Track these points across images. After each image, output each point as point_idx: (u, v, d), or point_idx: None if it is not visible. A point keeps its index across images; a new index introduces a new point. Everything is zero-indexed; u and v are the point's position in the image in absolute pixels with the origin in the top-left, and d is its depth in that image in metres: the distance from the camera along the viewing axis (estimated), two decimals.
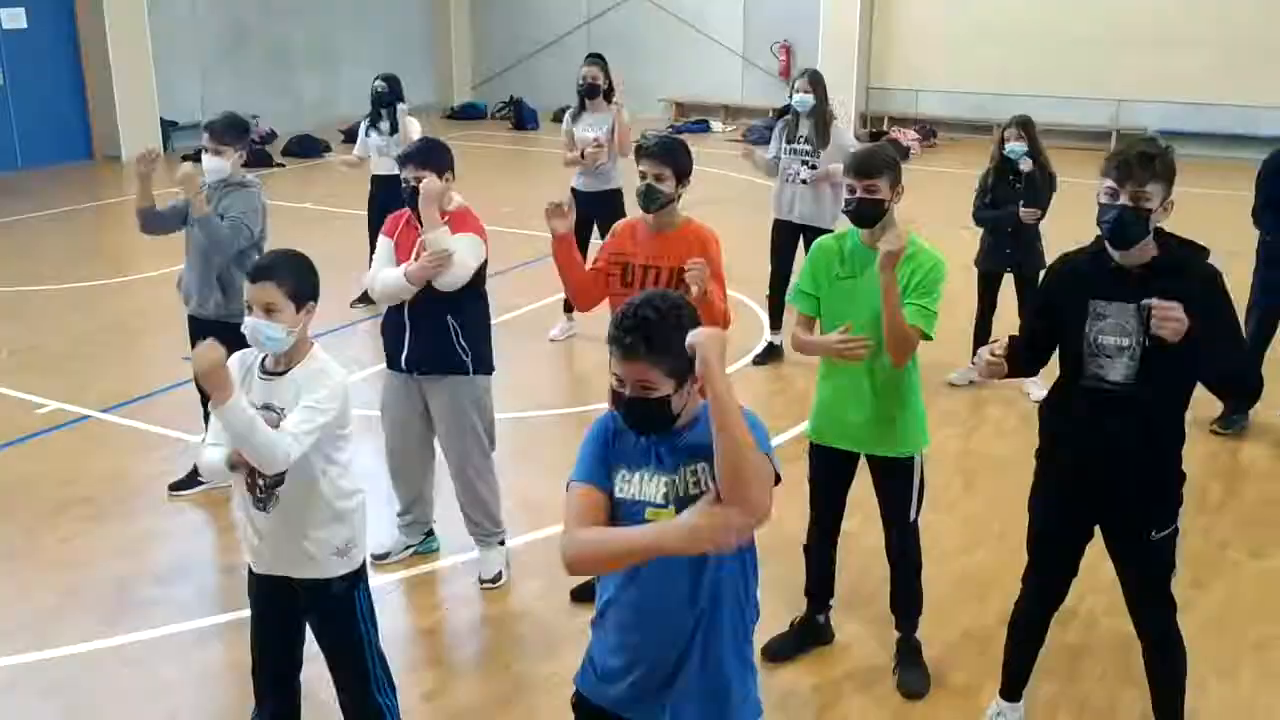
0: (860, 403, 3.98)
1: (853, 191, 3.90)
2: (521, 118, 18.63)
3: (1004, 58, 16.05)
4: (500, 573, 4.93)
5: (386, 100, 8.43)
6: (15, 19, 14.41)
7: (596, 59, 7.91)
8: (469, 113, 19.65)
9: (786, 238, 7.48)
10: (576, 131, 7.87)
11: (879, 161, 3.93)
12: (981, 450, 6.32)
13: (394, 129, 8.36)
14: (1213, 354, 3.21)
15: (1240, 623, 4.63)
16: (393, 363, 4.76)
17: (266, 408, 3.20)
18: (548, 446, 6.34)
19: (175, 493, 5.75)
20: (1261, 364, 6.39)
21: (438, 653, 4.53)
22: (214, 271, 5.38)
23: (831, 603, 4.45)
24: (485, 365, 4.77)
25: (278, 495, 3.26)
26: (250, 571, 3.44)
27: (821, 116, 7.26)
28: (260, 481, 3.26)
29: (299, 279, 3.24)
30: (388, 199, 7.87)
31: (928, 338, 3.86)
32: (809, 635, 4.41)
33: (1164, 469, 3.45)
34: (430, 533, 5.19)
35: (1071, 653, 4.36)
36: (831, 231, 6.95)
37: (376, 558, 4.98)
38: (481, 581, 4.91)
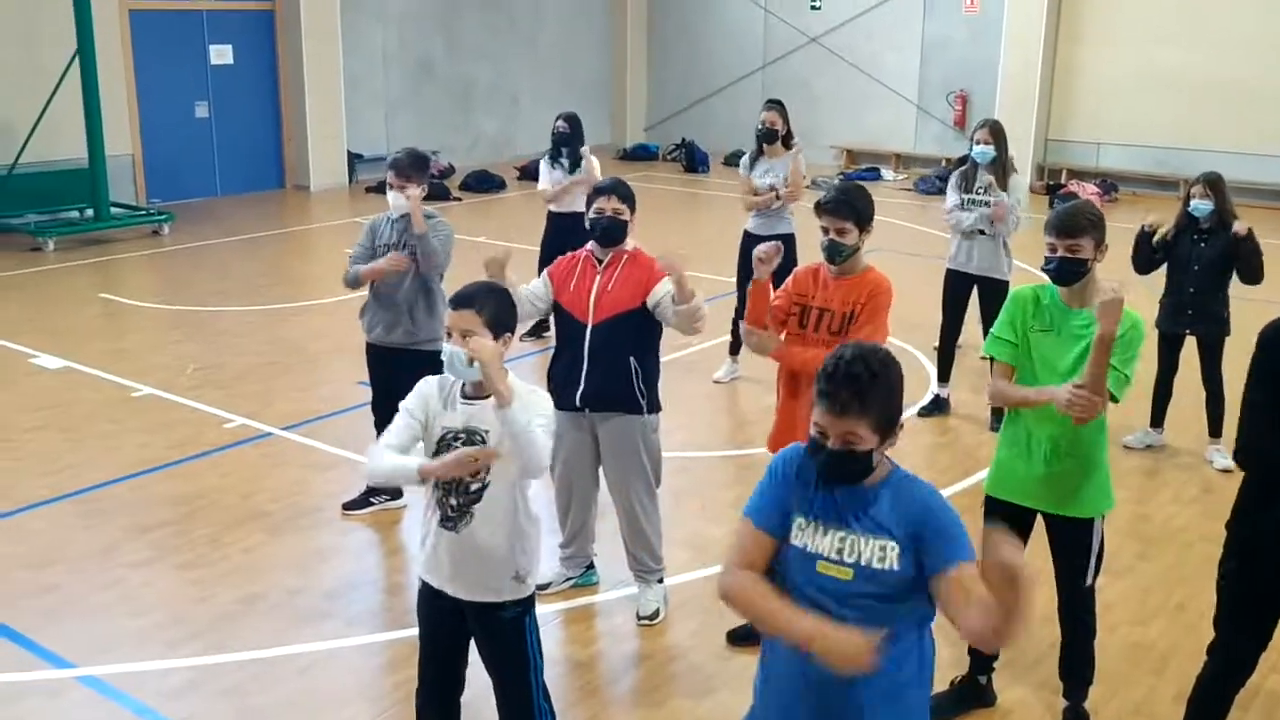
0: (1041, 459, 3.89)
1: (1054, 250, 3.83)
2: (693, 160, 18.81)
3: (1189, 110, 15.48)
4: (658, 610, 4.95)
5: (567, 139, 8.62)
6: (223, 55, 15.29)
7: (775, 104, 7.92)
8: (641, 154, 19.95)
9: (960, 289, 7.36)
10: (754, 176, 7.91)
11: (1083, 221, 3.85)
12: (1158, 517, 6.07)
13: (574, 167, 8.53)
14: None
15: None
16: (566, 400, 4.73)
17: (470, 431, 3.30)
18: (708, 488, 6.36)
19: (348, 511, 5.96)
20: None
21: (594, 685, 4.56)
22: (402, 301, 5.59)
23: (995, 664, 4.34)
24: (656, 404, 4.83)
25: (471, 514, 3.35)
26: (423, 588, 3.53)
27: (1002, 167, 7.15)
28: (454, 501, 3.35)
29: (499, 308, 3.35)
30: (563, 237, 8.15)
31: (1115, 400, 3.75)
32: (970, 696, 4.29)
33: None
34: (590, 566, 5.25)
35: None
36: (1007, 284, 6.93)
37: (537, 587, 5.05)
38: (639, 618, 4.94)
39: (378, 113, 17.16)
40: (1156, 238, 6.60)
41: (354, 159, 16.51)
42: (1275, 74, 14.84)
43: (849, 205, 4.31)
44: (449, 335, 3.30)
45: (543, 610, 4.94)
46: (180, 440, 6.92)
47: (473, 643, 3.54)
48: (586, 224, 4.75)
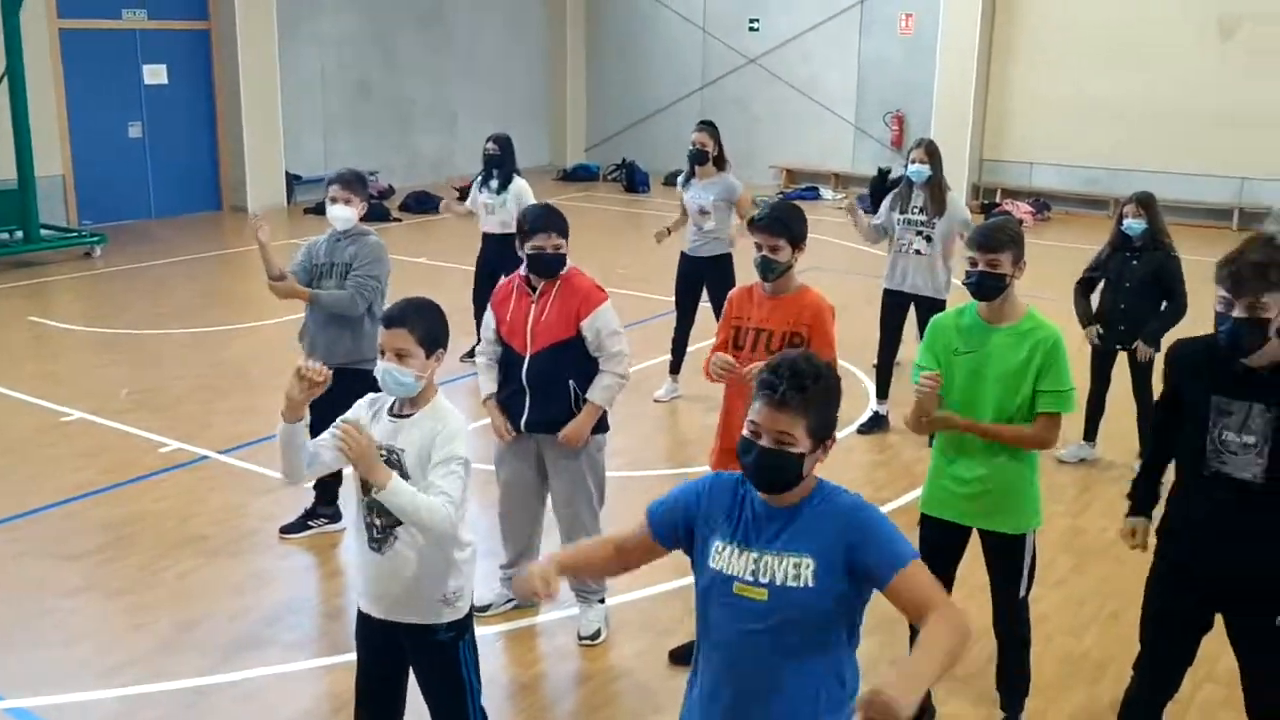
0: (974, 477, 3.95)
1: (974, 265, 3.89)
2: (633, 180, 18.87)
3: (1121, 132, 15.81)
4: (599, 630, 4.95)
5: (497, 161, 8.57)
6: (157, 75, 15.12)
7: (707, 125, 7.97)
8: (581, 174, 19.98)
9: (896, 308, 7.45)
10: (685, 197, 7.97)
11: (1004, 236, 3.92)
12: (1091, 529, 6.17)
13: (503, 188, 8.50)
14: None
15: None
16: (513, 423, 4.79)
17: (389, 450, 3.29)
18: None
19: (286, 535, 5.89)
20: None
21: (536, 707, 4.55)
22: (343, 321, 5.53)
23: None
24: (602, 425, 4.83)
25: (395, 536, 3.33)
26: (359, 614, 3.51)
27: (936, 186, 7.24)
28: (378, 521, 3.33)
29: (431, 326, 3.35)
30: (496, 258, 8.19)
31: (1068, 410, 3.87)
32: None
33: None
34: None
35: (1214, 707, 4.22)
36: (943, 303, 7.02)
37: (478, 609, 5.01)
38: (581, 638, 4.93)
39: (316, 133, 17.05)
40: None
41: (292, 180, 16.37)
42: (1203, 95, 15.20)
43: (782, 223, 4.36)
44: (382, 354, 3.30)
45: (483, 632, 4.92)
46: (113, 465, 6.80)
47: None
48: (523, 256, 4.70)
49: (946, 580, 4.19)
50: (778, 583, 2.53)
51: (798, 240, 4.38)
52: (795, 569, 2.52)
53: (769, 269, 4.37)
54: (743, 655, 2.58)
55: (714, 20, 19.26)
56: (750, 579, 2.56)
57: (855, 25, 18.05)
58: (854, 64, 18.19)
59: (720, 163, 7.92)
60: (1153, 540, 3.66)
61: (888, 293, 7.47)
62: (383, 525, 3.33)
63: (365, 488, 3.29)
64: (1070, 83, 16.17)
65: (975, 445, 3.93)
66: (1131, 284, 6.64)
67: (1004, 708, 4.20)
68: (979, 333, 3.93)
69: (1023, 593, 4.06)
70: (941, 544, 4.11)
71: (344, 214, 5.54)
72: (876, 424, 7.60)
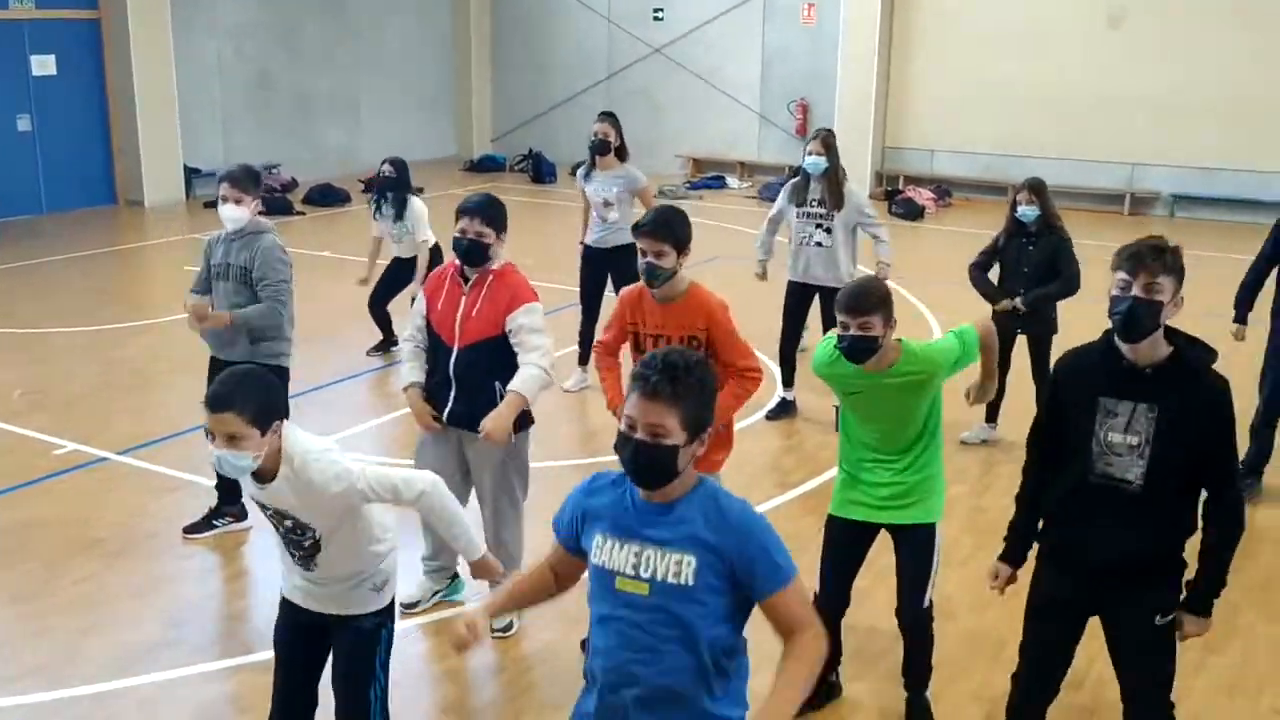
0: (889, 480, 4.03)
1: (846, 329, 3.85)
2: (540, 171, 18.80)
3: (1018, 120, 16.17)
4: (511, 622, 4.94)
5: (392, 185, 8.40)
6: (45, 65, 14.64)
7: (608, 116, 7.98)
8: (488, 165, 19.83)
9: (799, 298, 7.54)
10: (587, 189, 7.97)
11: (873, 299, 3.85)
12: (994, 508, 6.31)
13: (399, 216, 8.36)
14: (1204, 482, 3.33)
15: (1254, 688, 4.61)
16: (437, 413, 4.78)
17: (280, 514, 3.28)
18: (559, 497, 6.35)
19: (190, 535, 5.78)
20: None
21: (452, 698, 4.55)
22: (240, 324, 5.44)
23: (839, 660, 4.44)
24: (526, 420, 4.80)
25: (316, 562, 3.36)
26: (284, 606, 3.52)
27: (834, 179, 7.31)
28: (295, 552, 3.37)
29: (262, 400, 3.09)
30: (397, 277, 8.51)
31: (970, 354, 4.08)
32: (818, 692, 4.39)
33: (1169, 560, 3.41)
34: (456, 576, 5.21)
35: (1080, 714, 4.34)
36: None
37: (406, 606, 5.02)
38: (493, 630, 4.91)
39: (215, 125, 16.67)
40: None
41: (191, 173, 16.00)
42: (1094, 83, 15.60)
43: (666, 228, 4.36)
44: (212, 437, 3.07)
45: (404, 625, 4.91)
46: (7, 469, 6.60)
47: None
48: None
49: (849, 580, 4.24)
50: (659, 578, 2.56)
51: (682, 245, 4.38)
52: (677, 565, 2.55)
53: (654, 275, 4.37)
54: (628, 636, 2.61)
55: (619, 10, 19.26)
56: (632, 573, 2.59)
57: (759, 14, 18.18)
58: (758, 53, 18.32)
59: (622, 153, 7.94)
60: (1015, 584, 3.73)
61: (791, 284, 7.56)
62: (300, 555, 3.37)
63: (277, 522, 3.34)
64: (969, 71, 16.48)
65: (886, 455, 4.01)
66: (1029, 269, 6.80)
67: (907, 688, 4.29)
68: (862, 377, 3.97)
69: (928, 593, 4.13)
70: (848, 544, 4.16)
71: (235, 214, 5.40)
72: (784, 410, 7.69)
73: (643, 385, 2.52)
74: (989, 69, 16.26)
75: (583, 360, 8.12)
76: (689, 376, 2.52)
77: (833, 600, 4.18)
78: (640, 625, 2.58)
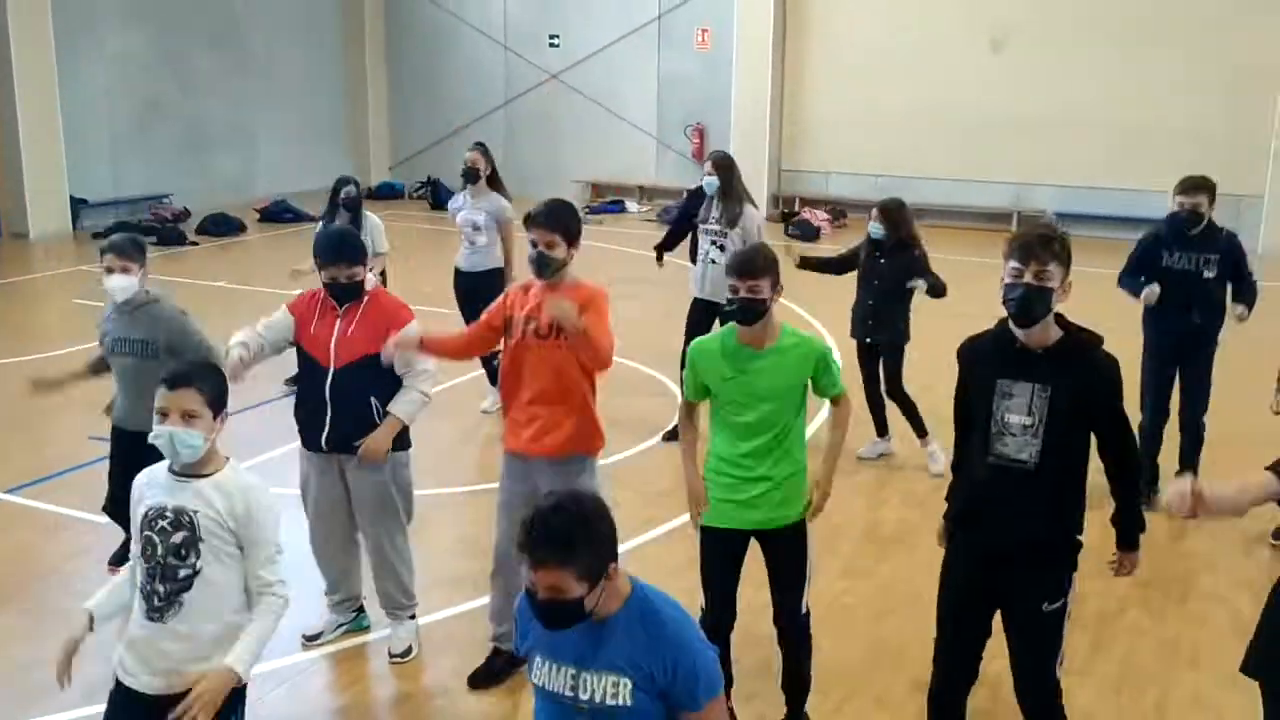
0: (758, 477, 4.05)
1: (735, 291, 3.98)
2: (438, 198, 18.69)
3: (908, 141, 16.57)
4: (410, 647, 4.91)
5: (356, 204, 8.39)
6: None
7: (478, 146, 8.34)
8: (386, 192, 19.69)
9: (701, 315, 7.63)
10: (458, 215, 8.25)
11: (762, 261, 4.02)
12: (892, 519, 6.46)
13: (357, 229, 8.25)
14: (1104, 443, 3.53)
15: (1139, 686, 4.78)
16: (312, 443, 4.75)
17: (178, 511, 3.13)
18: (464, 524, 6.34)
19: (114, 568, 5.59)
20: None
21: None
22: (151, 391, 5.24)
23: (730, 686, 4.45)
24: (404, 440, 4.81)
25: (181, 603, 3.14)
26: (116, 692, 3.29)
27: (729, 197, 7.46)
28: (161, 588, 3.14)
29: (217, 386, 3.24)
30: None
31: (840, 391, 4.15)
32: None
33: (1061, 540, 3.58)
34: (361, 609, 5.16)
35: (980, 716, 4.46)
36: None
37: (309, 639, 4.98)
38: (391, 656, 4.89)
39: (102, 154, 16.29)
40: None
41: (78, 204, 15.61)
42: (980, 106, 16.07)
43: (557, 218, 4.41)
44: (163, 417, 3.11)
45: (303, 658, 4.85)
46: None
47: None
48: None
49: (731, 594, 4.22)
50: (597, 700, 2.60)
51: (572, 236, 4.43)
52: (614, 688, 2.59)
53: (544, 264, 4.40)
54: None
55: (515, 36, 19.31)
56: (570, 695, 2.63)
57: (654, 40, 18.38)
58: (654, 78, 18.52)
59: (494, 181, 8.15)
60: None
61: (695, 301, 7.67)
62: (166, 592, 3.14)
63: (147, 552, 3.15)
64: (860, 93, 16.85)
65: (756, 450, 4.03)
66: (880, 282, 7.09)
67: (789, 703, 4.31)
68: (744, 357, 4.04)
69: (804, 600, 4.17)
70: (724, 553, 4.18)
71: (123, 284, 5.09)
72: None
73: (530, 557, 2.51)
74: (880, 92, 16.65)
75: (493, 379, 8.11)
76: (571, 535, 2.50)
77: (720, 614, 4.19)
78: None
